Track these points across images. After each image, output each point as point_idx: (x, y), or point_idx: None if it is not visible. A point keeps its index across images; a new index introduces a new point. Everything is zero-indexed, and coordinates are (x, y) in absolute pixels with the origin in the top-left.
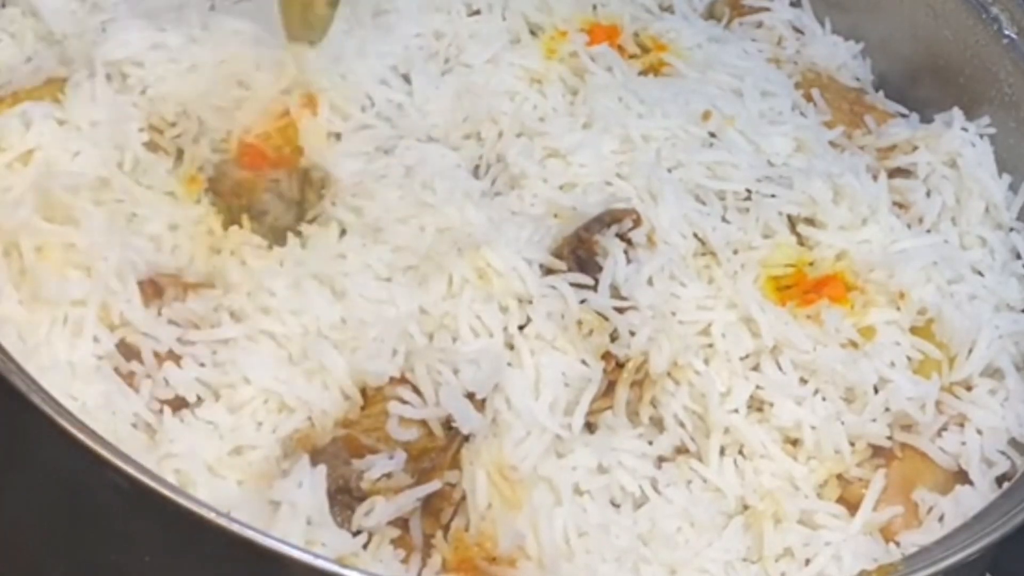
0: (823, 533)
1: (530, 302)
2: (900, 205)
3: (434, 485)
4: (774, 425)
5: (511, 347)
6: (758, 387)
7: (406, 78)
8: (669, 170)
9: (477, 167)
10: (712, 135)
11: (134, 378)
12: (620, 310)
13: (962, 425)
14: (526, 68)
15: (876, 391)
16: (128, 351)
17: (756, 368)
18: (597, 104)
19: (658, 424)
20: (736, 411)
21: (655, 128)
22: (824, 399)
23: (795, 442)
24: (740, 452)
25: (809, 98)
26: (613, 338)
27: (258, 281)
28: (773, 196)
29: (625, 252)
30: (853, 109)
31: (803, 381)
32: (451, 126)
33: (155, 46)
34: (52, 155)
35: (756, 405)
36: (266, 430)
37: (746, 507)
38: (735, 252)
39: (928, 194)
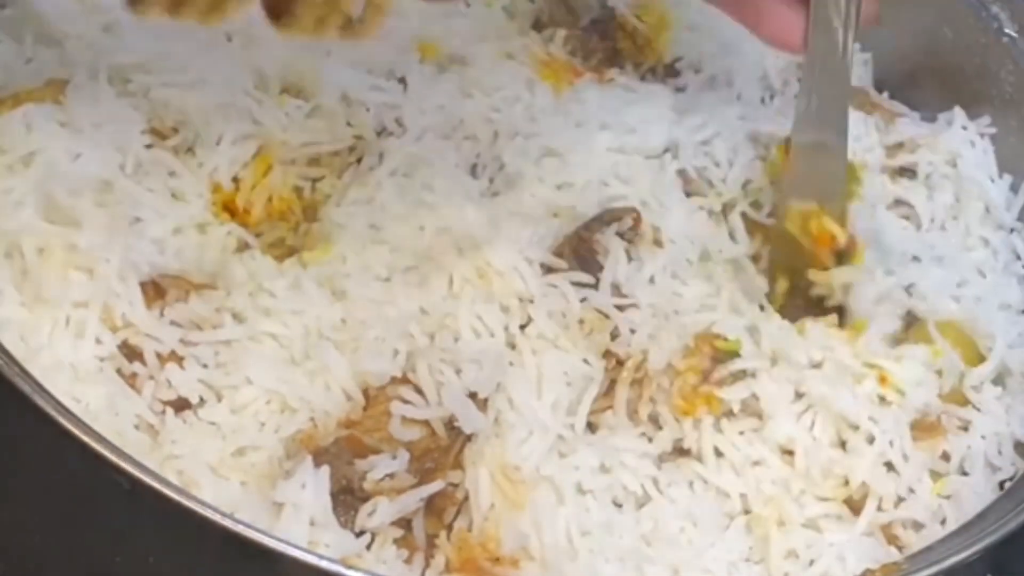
0: (827, 535)
1: (531, 301)
2: (907, 204)
3: (437, 485)
4: (767, 436)
5: (513, 346)
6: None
7: (403, 80)
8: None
9: (474, 166)
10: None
11: (136, 379)
12: (621, 308)
13: (966, 429)
14: (524, 67)
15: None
16: (130, 352)
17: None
18: (593, 103)
19: (656, 421)
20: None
21: (653, 126)
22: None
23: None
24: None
25: None
26: (614, 336)
27: (259, 282)
28: None
29: (626, 251)
30: (863, 107)
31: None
32: (448, 126)
33: (163, 56)
34: (54, 157)
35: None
36: (269, 431)
37: (747, 511)
38: None
39: (931, 196)
